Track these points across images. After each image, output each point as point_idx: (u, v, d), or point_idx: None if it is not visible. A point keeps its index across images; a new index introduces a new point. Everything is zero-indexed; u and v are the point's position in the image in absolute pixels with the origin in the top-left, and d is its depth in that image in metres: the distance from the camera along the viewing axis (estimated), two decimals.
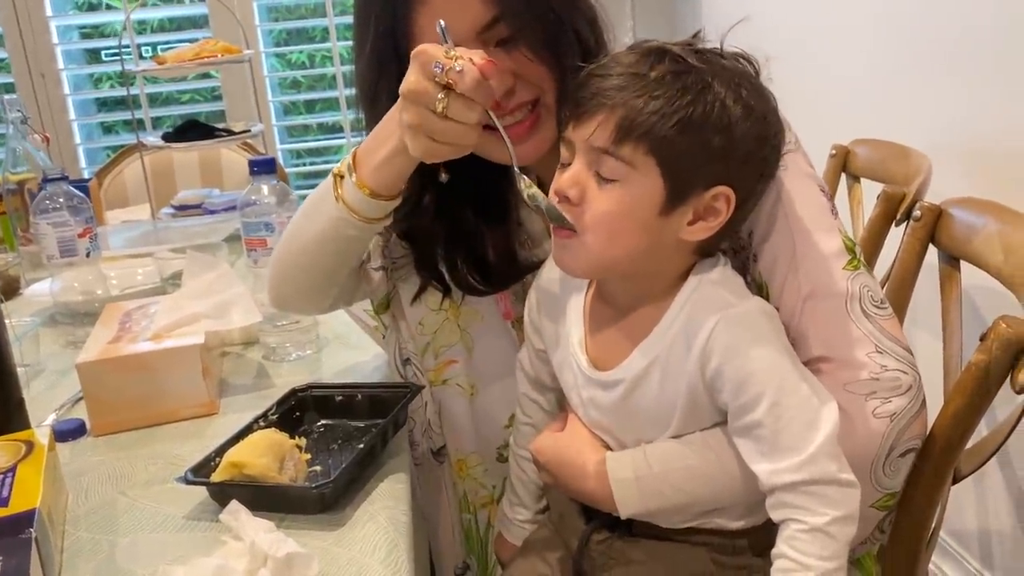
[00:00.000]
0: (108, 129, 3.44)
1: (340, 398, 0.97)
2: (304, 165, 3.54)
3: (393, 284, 1.05)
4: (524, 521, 0.97)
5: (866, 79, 1.92)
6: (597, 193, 0.73)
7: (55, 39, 3.13)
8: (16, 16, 3.07)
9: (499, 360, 1.02)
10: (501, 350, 1.02)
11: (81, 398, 1.10)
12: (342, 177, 0.92)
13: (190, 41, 3.21)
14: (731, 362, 0.72)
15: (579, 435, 0.84)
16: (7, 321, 0.98)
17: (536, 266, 0.99)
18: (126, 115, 3.33)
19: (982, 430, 0.95)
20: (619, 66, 0.73)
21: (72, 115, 3.21)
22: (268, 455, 0.80)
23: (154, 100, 3.41)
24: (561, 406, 0.93)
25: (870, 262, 1.39)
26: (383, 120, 0.89)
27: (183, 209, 1.91)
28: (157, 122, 3.20)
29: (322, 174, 3.41)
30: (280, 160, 3.18)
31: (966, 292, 1.18)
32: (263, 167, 1.15)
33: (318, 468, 0.87)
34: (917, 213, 1.24)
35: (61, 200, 1.28)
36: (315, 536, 0.75)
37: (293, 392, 0.97)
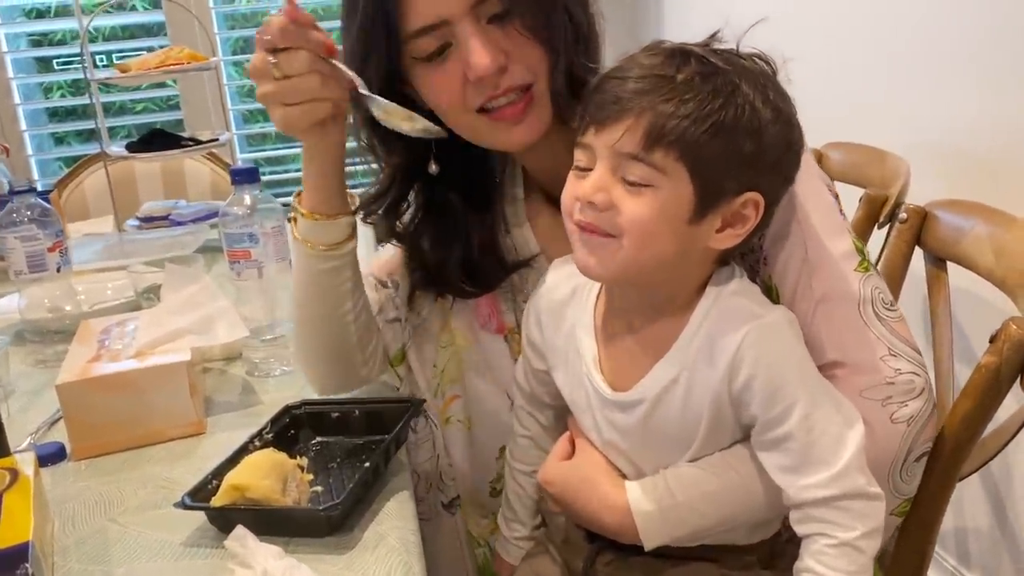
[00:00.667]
0: (59, 140, 3.34)
1: (336, 414, 0.94)
2: (263, 175, 3.48)
3: (409, 334, 1.02)
4: (521, 539, 0.94)
5: (837, 83, 1.94)
6: (626, 198, 0.70)
7: (4, 47, 3.03)
8: None
9: (491, 390, 1.00)
10: (493, 375, 1.00)
11: (57, 420, 1.05)
12: (294, 219, 0.93)
13: (147, 49, 3.16)
14: (762, 374, 0.71)
15: (592, 463, 0.81)
16: None
17: (519, 264, 0.97)
18: (80, 125, 3.24)
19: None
20: (641, 68, 0.70)
21: (23, 125, 3.11)
22: (271, 477, 0.77)
23: (107, 110, 3.31)
24: (561, 422, 0.91)
25: None
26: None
27: (149, 221, 1.85)
28: (111, 132, 3.12)
29: (282, 183, 3.36)
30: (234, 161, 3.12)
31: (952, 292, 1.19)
32: (245, 176, 1.11)
33: (319, 488, 0.84)
34: (903, 215, 1.24)
35: (29, 213, 1.23)
36: (325, 561, 0.72)
37: (287, 409, 0.94)
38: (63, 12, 3.13)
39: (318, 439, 0.93)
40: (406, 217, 0.99)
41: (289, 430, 0.92)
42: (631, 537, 0.77)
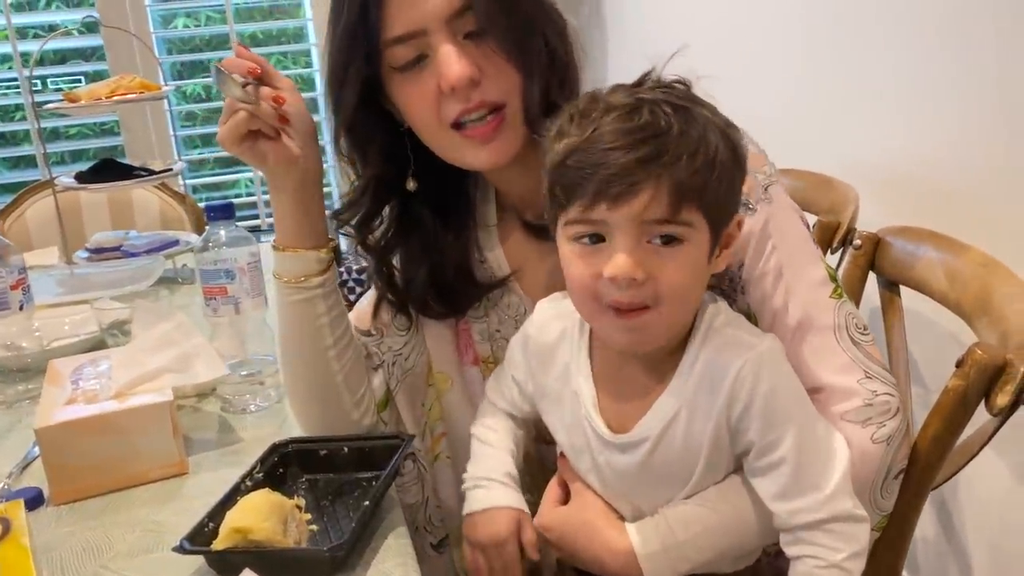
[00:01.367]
0: None
1: (324, 452, 0.94)
2: (201, 200, 3.43)
3: (397, 380, 1.03)
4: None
5: (780, 109, 2.01)
6: (660, 264, 0.71)
7: None
8: None
9: (469, 421, 1.01)
10: (474, 411, 1.00)
11: (29, 463, 1.03)
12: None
13: (83, 75, 3.09)
14: (759, 400, 0.74)
15: (589, 507, 0.83)
16: None
17: (492, 286, 0.98)
18: (15, 152, 3.15)
19: None
20: (625, 135, 0.69)
21: None
22: (272, 518, 0.77)
23: (41, 132, 3.23)
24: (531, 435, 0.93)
25: None
26: None
27: (99, 252, 1.81)
28: (48, 158, 3.03)
29: None
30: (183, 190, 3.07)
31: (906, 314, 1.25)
32: (221, 213, 1.10)
33: (315, 527, 0.84)
34: (857, 242, 1.30)
35: None
36: None
37: (275, 447, 0.94)
38: None
39: (307, 477, 0.93)
40: (378, 233, 1.00)
41: (278, 468, 0.92)
42: None
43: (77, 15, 3.07)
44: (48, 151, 3.04)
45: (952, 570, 1.68)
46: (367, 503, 0.82)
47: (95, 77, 3.05)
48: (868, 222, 1.34)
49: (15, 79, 2.96)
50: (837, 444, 0.77)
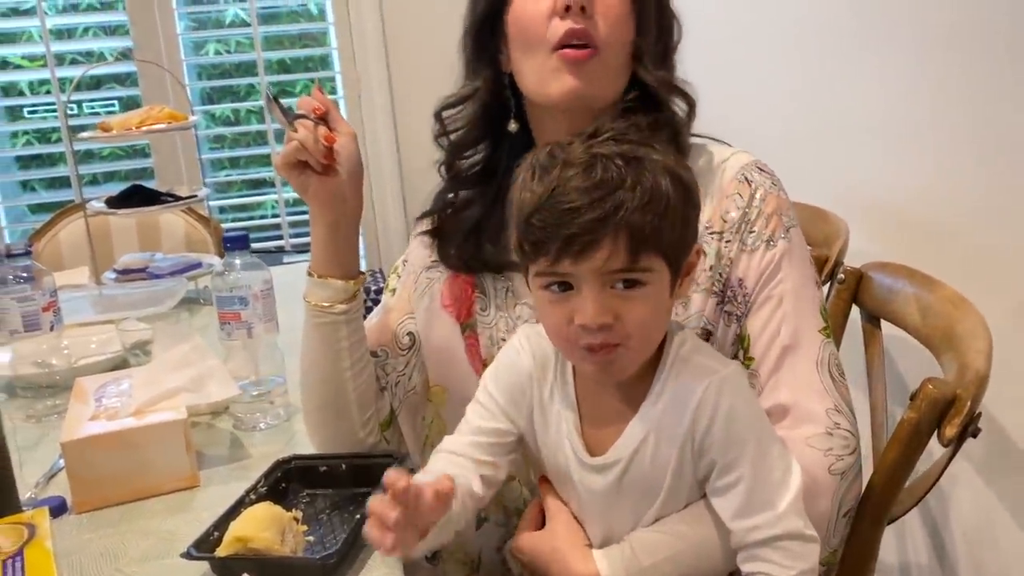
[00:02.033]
0: (24, 185, 3.37)
1: (324, 468, 1.02)
2: (227, 221, 3.54)
3: (399, 400, 1.10)
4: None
5: (780, 143, 2.07)
6: (625, 306, 0.77)
7: None
8: None
9: None
10: None
11: (55, 474, 1.11)
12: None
13: (117, 100, 3.22)
14: (720, 420, 0.80)
15: (560, 534, 0.89)
16: None
17: (510, 265, 1.03)
18: (51, 173, 3.28)
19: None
20: (582, 193, 0.75)
21: None
22: (271, 529, 0.84)
23: (75, 154, 3.35)
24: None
25: None
26: None
27: (127, 273, 1.91)
28: (80, 180, 3.16)
29: (250, 229, 3.43)
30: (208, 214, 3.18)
31: (887, 345, 1.30)
32: (236, 243, 1.19)
33: (311, 538, 0.91)
34: (841, 276, 1.36)
35: (24, 275, 1.29)
36: None
37: (278, 464, 1.01)
38: (22, 66, 3.18)
39: (307, 492, 1.01)
40: (465, 164, 1.07)
41: (281, 483, 1.00)
42: None
43: (114, 43, 3.20)
44: (84, 171, 3.18)
45: None
46: (357, 516, 0.89)
47: (129, 102, 3.18)
48: (862, 252, 1.39)
49: (53, 103, 3.09)
50: (792, 466, 0.82)
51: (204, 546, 0.85)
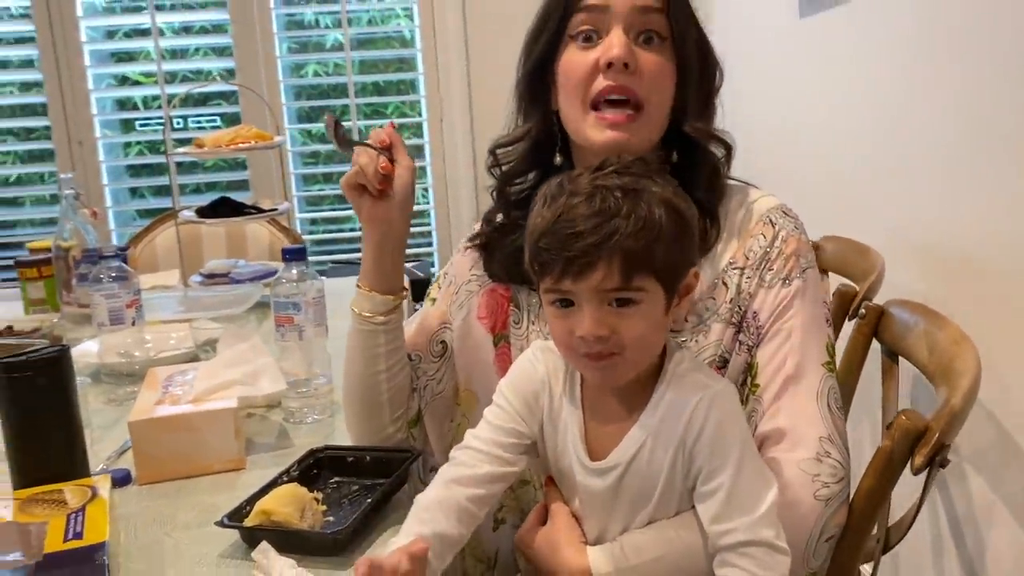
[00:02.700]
0: (133, 192, 3.65)
1: (351, 459, 1.13)
2: (317, 232, 3.74)
3: (426, 402, 1.19)
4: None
5: (830, 180, 2.12)
6: (620, 321, 0.86)
7: (94, 110, 3.37)
8: (60, 89, 3.33)
9: None
10: None
11: (125, 451, 1.26)
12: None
13: (220, 116, 3.47)
14: (710, 429, 0.88)
15: (559, 530, 0.97)
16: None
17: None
18: (156, 181, 3.55)
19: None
20: (584, 220, 0.84)
21: (105, 180, 3.43)
22: (292, 505, 0.96)
23: (179, 164, 3.62)
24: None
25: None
26: None
27: (211, 277, 2.09)
28: (184, 188, 3.43)
29: (338, 241, 3.64)
30: (298, 228, 3.39)
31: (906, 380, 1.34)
32: (295, 255, 1.33)
33: (331, 518, 1.03)
34: (862, 312, 1.41)
35: (114, 274, 1.46)
36: (330, 574, 0.91)
37: (311, 452, 1.14)
38: (140, 82, 3.46)
39: (335, 479, 1.13)
40: (514, 189, 1.16)
41: (312, 469, 1.12)
42: None
43: (220, 63, 3.45)
44: (187, 181, 3.44)
45: None
46: (369, 500, 1.00)
47: (231, 118, 3.42)
48: (910, 289, 1.44)
49: (162, 117, 3.36)
50: (770, 481, 0.89)
51: (235, 517, 0.98)
